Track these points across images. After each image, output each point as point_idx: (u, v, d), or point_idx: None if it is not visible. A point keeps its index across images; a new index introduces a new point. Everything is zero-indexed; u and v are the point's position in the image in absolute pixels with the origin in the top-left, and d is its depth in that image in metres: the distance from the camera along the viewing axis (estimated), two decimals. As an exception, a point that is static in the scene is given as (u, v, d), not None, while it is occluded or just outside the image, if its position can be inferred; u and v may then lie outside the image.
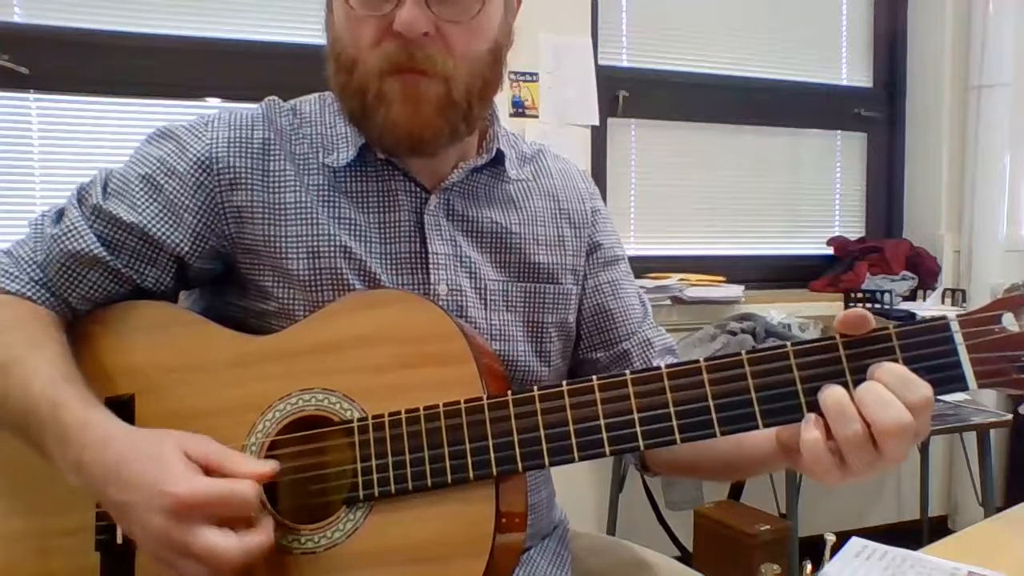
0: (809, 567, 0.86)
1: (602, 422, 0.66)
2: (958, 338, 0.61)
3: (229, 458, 0.67)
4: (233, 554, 0.63)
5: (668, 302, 2.31)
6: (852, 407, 0.60)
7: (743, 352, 0.65)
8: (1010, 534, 0.98)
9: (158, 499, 0.63)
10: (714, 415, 0.64)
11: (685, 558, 2.12)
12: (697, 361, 0.65)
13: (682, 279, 2.36)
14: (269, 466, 0.68)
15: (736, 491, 2.35)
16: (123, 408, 0.75)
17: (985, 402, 2.24)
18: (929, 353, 0.61)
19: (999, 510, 1.32)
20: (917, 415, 0.60)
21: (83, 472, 0.67)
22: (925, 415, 0.60)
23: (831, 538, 0.89)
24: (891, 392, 0.60)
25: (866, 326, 0.63)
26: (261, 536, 0.65)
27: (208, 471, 0.66)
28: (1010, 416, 2.07)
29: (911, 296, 2.63)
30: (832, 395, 0.61)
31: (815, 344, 0.63)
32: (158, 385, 0.76)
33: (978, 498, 2.32)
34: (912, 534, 2.61)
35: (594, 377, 0.67)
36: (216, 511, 0.64)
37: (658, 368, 0.66)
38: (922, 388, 0.60)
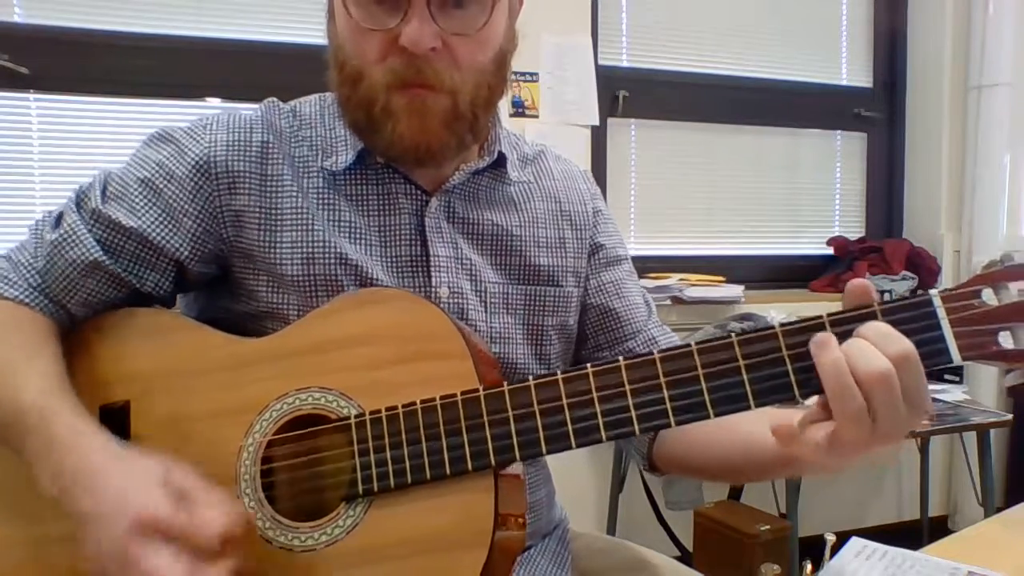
0: (809, 567, 0.86)
1: (597, 408, 0.67)
2: (941, 312, 0.62)
3: (207, 494, 0.64)
4: None
5: (668, 302, 2.31)
6: (843, 360, 0.61)
7: (733, 333, 0.66)
8: (1010, 534, 0.98)
9: (127, 511, 0.61)
10: (707, 396, 0.65)
11: (685, 558, 2.12)
12: (688, 344, 0.66)
13: (682, 279, 2.36)
14: (241, 515, 0.65)
15: (736, 491, 2.35)
16: (119, 414, 0.74)
17: (985, 402, 2.24)
18: (914, 328, 0.62)
19: (999, 510, 1.32)
20: (900, 369, 0.60)
21: (62, 478, 0.65)
22: (909, 372, 0.60)
23: (831, 538, 0.89)
24: (871, 345, 0.61)
25: (867, 295, 0.65)
26: (215, 571, 0.61)
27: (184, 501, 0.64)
28: (1010, 416, 2.07)
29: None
30: (827, 353, 0.61)
31: (803, 323, 0.65)
32: (154, 390, 0.76)
33: (978, 498, 2.32)
34: (912, 534, 2.61)
35: (588, 365, 0.68)
36: (175, 536, 0.61)
37: (650, 352, 0.67)
38: (901, 341, 0.61)
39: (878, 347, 0.60)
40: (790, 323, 0.65)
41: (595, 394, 0.67)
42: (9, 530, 0.75)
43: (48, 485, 0.67)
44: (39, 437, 0.68)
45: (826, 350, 0.61)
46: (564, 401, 0.67)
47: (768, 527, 1.98)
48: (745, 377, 0.64)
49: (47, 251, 0.79)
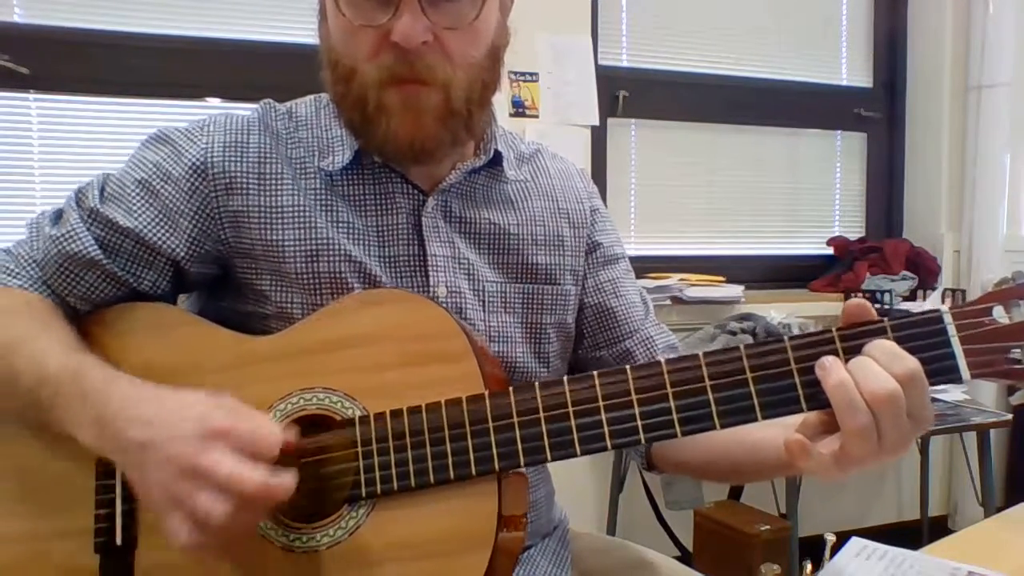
0: (809, 567, 0.86)
1: (603, 416, 0.67)
2: (951, 330, 0.62)
3: (258, 415, 0.66)
4: (255, 485, 0.60)
5: (668, 302, 2.31)
6: (851, 381, 0.61)
7: (741, 345, 0.65)
8: (1010, 534, 0.97)
9: (189, 424, 0.62)
10: (714, 408, 0.65)
11: (685, 558, 2.12)
12: (696, 354, 0.66)
13: (682, 279, 2.36)
14: (291, 435, 0.66)
15: (736, 491, 2.35)
16: None
17: (985, 402, 2.24)
18: (923, 345, 0.62)
19: (999, 510, 1.32)
20: (906, 388, 0.60)
21: (103, 425, 0.66)
22: (915, 390, 0.61)
23: (831, 538, 0.89)
24: (879, 365, 0.61)
25: (866, 314, 0.64)
26: (287, 479, 0.62)
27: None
28: (1010, 416, 2.07)
29: (911, 296, 2.63)
30: (834, 375, 0.61)
31: (811, 336, 0.64)
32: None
33: (978, 498, 2.32)
34: (912, 534, 2.61)
35: (594, 372, 0.68)
36: (243, 445, 0.62)
37: (658, 361, 0.67)
38: (907, 361, 0.61)
39: (885, 367, 0.60)
40: (799, 336, 0.65)
41: (601, 402, 0.67)
42: (9, 526, 0.75)
43: (87, 435, 0.67)
44: (71, 396, 0.68)
45: (832, 373, 0.62)
46: (570, 408, 0.67)
47: (768, 527, 1.98)
48: (752, 389, 0.64)
49: (45, 245, 0.80)
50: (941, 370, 0.62)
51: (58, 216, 0.82)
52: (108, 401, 0.67)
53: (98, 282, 0.80)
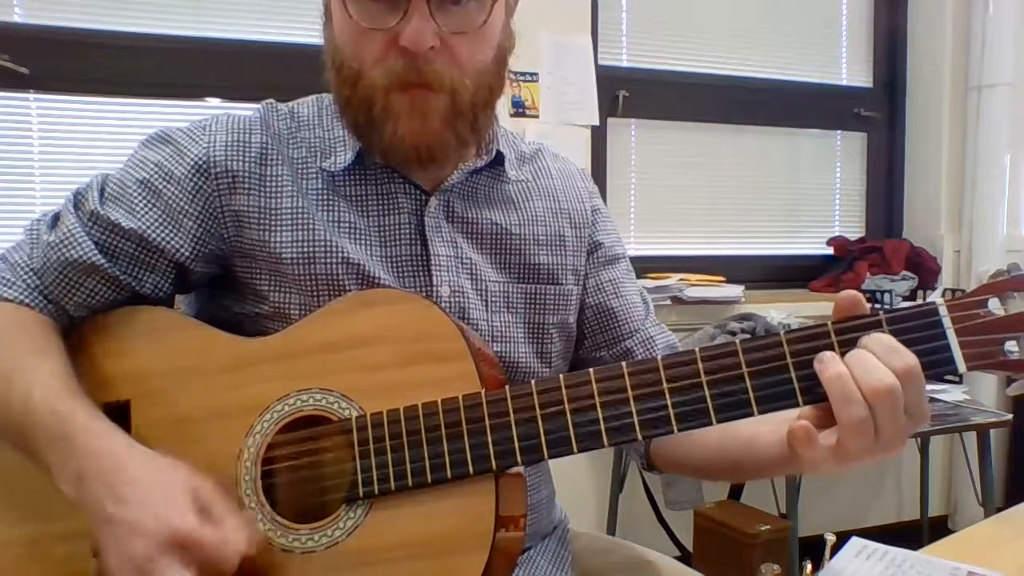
0: (809, 567, 0.86)
1: (599, 414, 0.66)
2: (947, 322, 0.62)
3: (231, 515, 0.65)
4: None
5: (668, 302, 2.31)
6: (848, 374, 0.61)
7: (737, 340, 0.65)
8: (1010, 534, 0.97)
9: (154, 525, 0.61)
10: (710, 403, 0.65)
11: (685, 558, 2.12)
12: (692, 350, 0.66)
13: (682, 279, 2.36)
14: (262, 539, 0.66)
15: (736, 491, 2.35)
16: (119, 413, 0.74)
17: (985, 402, 2.24)
18: (919, 337, 0.62)
19: (999, 510, 1.32)
20: (904, 383, 0.60)
21: (83, 483, 0.65)
22: (912, 385, 0.61)
23: (831, 538, 0.89)
24: (877, 358, 0.61)
25: (858, 307, 0.64)
26: None
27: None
28: (1010, 416, 2.07)
29: (911, 296, 2.63)
30: (832, 367, 0.62)
31: (807, 331, 0.64)
32: (155, 390, 0.76)
33: (978, 498, 2.31)
34: (912, 534, 2.61)
35: (591, 370, 0.68)
36: (202, 557, 0.62)
37: (653, 358, 0.67)
38: (906, 356, 0.61)
39: (883, 361, 0.60)
40: (794, 330, 0.64)
41: (597, 399, 0.67)
42: (9, 528, 0.75)
43: (68, 488, 0.66)
44: (55, 439, 0.67)
45: (829, 366, 0.62)
46: (566, 406, 0.67)
47: (768, 527, 1.98)
48: (748, 384, 0.64)
49: (43, 252, 0.79)
50: (937, 362, 0.62)
51: (55, 220, 0.81)
52: (93, 460, 0.66)
53: (98, 287, 0.80)
